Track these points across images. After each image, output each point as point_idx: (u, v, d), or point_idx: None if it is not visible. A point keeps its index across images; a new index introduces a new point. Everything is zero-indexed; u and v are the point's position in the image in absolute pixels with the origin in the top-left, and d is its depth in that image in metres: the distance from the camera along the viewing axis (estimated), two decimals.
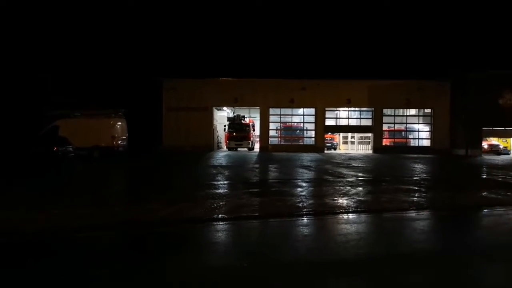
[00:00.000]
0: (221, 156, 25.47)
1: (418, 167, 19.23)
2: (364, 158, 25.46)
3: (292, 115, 34.44)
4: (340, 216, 7.72)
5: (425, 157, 26.70)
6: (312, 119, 33.36)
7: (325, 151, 32.76)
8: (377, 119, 33.06)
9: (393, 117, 34.26)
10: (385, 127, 33.77)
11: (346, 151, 34.90)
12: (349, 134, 37.21)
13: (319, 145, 32.86)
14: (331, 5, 59.95)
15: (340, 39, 58.78)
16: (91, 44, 43.59)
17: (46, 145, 14.66)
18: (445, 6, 55.80)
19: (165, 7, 56.85)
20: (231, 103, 33.41)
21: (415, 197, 9.73)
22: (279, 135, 34.20)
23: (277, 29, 61.89)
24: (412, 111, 34.74)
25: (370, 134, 34.22)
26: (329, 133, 34.87)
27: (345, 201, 9.00)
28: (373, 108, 33.02)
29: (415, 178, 14.16)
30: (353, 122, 34.59)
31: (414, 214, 7.94)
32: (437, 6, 56.35)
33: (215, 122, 33.89)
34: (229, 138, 32.31)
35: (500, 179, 14.28)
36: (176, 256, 5.22)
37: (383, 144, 33.33)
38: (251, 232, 6.94)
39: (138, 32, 52.23)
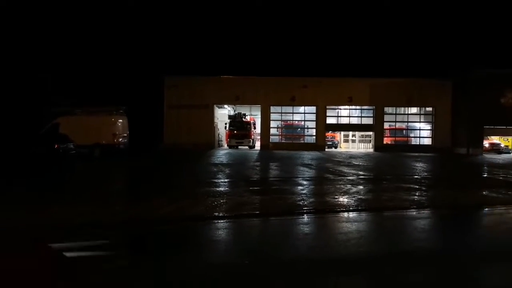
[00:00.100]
0: (222, 154, 25.48)
1: (419, 165, 19.22)
2: (365, 156, 25.45)
3: (293, 113, 34.43)
4: (341, 214, 7.72)
5: (426, 156, 26.68)
6: (313, 117, 33.34)
7: (326, 150, 32.75)
8: (378, 117, 33.03)
9: (394, 116, 34.22)
10: (386, 125, 33.73)
11: (347, 150, 34.89)
12: (350, 133, 37.17)
13: (320, 144, 32.85)
14: (332, 4, 59.85)
15: (342, 37, 58.68)
16: (93, 42, 43.56)
17: (47, 143, 14.67)
18: (447, 5, 55.62)
19: (166, 5, 56.80)
20: (232, 101, 33.39)
21: (416, 195, 9.73)
22: (280, 133, 34.19)
23: (278, 27, 61.79)
24: (413, 110, 34.70)
25: (371, 133, 34.19)
26: (330, 132, 34.84)
27: (346, 200, 9.01)
28: (374, 107, 32.98)
29: (416, 176, 14.16)
30: (354, 121, 34.57)
31: (415, 213, 7.95)
32: (439, 5, 56.20)
33: (216, 120, 33.89)
34: (230, 136, 32.31)
35: (501, 178, 14.27)
36: (176, 256, 5.23)
37: (384, 142, 33.31)
38: (252, 230, 6.95)
39: (139, 30, 52.17)
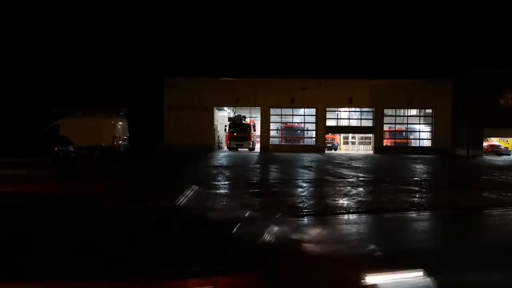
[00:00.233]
0: (222, 156, 25.49)
1: (419, 167, 19.23)
2: (365, 158, 25.46)
3: (293, 115, 34.44)
4: (341, 216, 7.73)
5: (426, 158, 26.69)
6: (313, 119, 33.34)
7: (326, 152, 32.73)
8: (378, 119, 33.03)
9: (394, 117, 34.22)
10: (386, 127, 33.73)
11: (347, 152, 34.88)
12: (350, 135, 37.17)
13: (320, 146, 32.84)
14: (332, 5, 59.99)
15: (342, 38, 58.72)
16: (93, 43, 43.62)
17: (47, 145, 14.68)
18: (446, 6, 55.71)
19: (167, 6, 56.92)
20: (232, 103, 33.40)
21: (416, 197, 9.73)
22: (280, 136, 34.19)
23: (278, 29, 61.93)
24: (413, 111, 34.70)
25: (371, 135, 34.19)
26: (330, 134, 34.85)
27: (345, 202, 9.01)
28: (374, 109, 32.99)
29: (415, 178, 14.16)
30: (354, 123, 34.56)
31: (414, 215, 7.95)
32: (438, 6, 56.35)
33: (216, 122, 33.90)
34: (230, 138, 32.29)
35: (500, 179, 14.28)
36: None
37: (384, 144, 33.30)
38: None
39: (139, 30, 52.25)
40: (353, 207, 8.36)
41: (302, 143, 33.86)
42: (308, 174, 15.15)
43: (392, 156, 28.18)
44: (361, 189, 11.05)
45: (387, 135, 33.83)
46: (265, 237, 2.19)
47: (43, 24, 40.38)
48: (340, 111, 34.49)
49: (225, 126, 33.64)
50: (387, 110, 33.67)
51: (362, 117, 34.38)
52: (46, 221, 1.80)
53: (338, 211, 8.04)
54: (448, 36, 54.72)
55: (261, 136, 33.31)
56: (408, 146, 33.48)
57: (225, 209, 7.05)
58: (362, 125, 34.26)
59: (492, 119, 29.47)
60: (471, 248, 5.91)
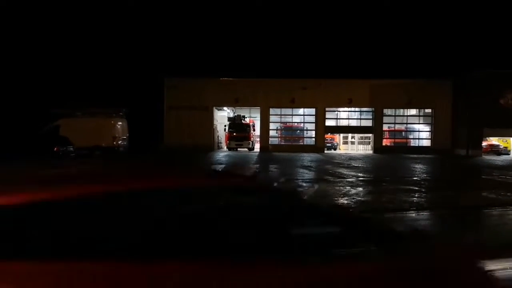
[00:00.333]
0: (222, 156, 25.51)
1: (419, 167, 19.25)
2: (365, 158, 25.48)
3: (292, 115, 34.48)
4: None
5: (425, 157, 26.71)
6: (313, 119, 33.37)
7: (325, 151, 32.77)
8: (378, 119, 33.06)
9: (393, 117, 34.27)
10: (385, 127, 33.77)
11: (346, 151, 34.92)
12: (349, 134, 37.20)
13: (319, 145, 32.87)
14: (332, 5, 60.04)
15: (342, 38, 58.80)
16: (93, 43, 43.65)
17: (47, 145, 14.72)
18: (447, 6, 55.78)
19: (166, 6, 56.93)
20: (232, 103, 33.43)
21: (415, 197, 9.75)
22: (280, 135, 34.23)
23: (278, 29, 62.01)
24: (413, 111, 34.75)
25: (370, 135, 34.22)
26: (329, 133, 34.89)
27: (345, 202, 9.03)
28: (373, 108, 33.02)
29: (415, 178, 14.18)
30: (354, 123, 34.59)
31: (414, 215, 7.97)
32: (438, 6, 56.39)
33: (215, 122, 33.92)
34: (230, 138, 32.32)
35: (500, 179, 14.30)
36: None
37: (384, 144, 33.34)
38: None
39: (139, 31, 52.27)
40: (352, 207, 8.38)
41: (302, 143, 33.89)
42: (308, 174, 15.16)
43: (391, 156, 28.21)
44: (360, 188, 11.07)
45: (386, 135, 33.88)
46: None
47: (44, 24, 40.40)
48: (339, 111, 34.52)
49: (225, 126, 33.69)
50: (386, 110, 33.73)
51: (362, 117, 34.42)
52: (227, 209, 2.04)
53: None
54: (448, 36, 54.81)
55: (261, 136, 33.34)
56: (408, 146, 33.53)
57: None
58: (361, 125, 34.30)
59: (492, 119, 29.53)
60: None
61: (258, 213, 2.07)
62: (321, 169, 17.31)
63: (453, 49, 50.15)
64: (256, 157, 24.75)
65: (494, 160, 25.96)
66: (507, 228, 7.37)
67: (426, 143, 33.71)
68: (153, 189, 1.98)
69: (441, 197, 10.05)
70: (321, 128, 33.11)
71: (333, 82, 32.55)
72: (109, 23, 47.48)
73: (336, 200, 9.22)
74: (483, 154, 30.41)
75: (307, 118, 33.88)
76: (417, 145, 33.86)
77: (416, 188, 11.24)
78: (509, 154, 32.72)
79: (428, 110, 33.75)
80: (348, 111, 34.46)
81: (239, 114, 34.20)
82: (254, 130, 33.92)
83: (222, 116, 36.16)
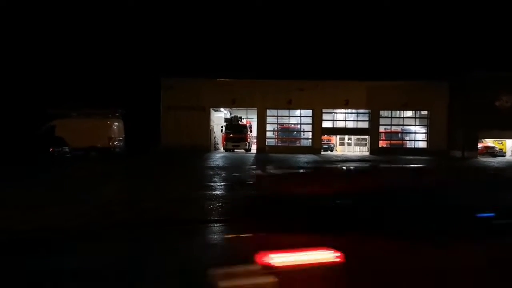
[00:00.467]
0: (218, 157, 25.49)
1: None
2: (361, 159, 25.49)
3: (289, 116, 34.47)
4: None
5: (421, 159, 26.78)
6: (309, 120, 33.38)
7: (322, 153, 32.79)
8: (374, 120, 33.12)
9: (389, 119, 34.33)
10: (381, 128, 33.83)
11: (343, 153, 34.96)
12: (346, 136, 37.23)
13: (316, 147, 32.88)
14: (329, 6, 60.13)
15: (339, 40, 58.91)
16: (89, 44, 43.53)
17: (42, 146, 14.65)
18: (443, 8, 56.04)
19: (163, 6, 56.85)
20: (229, 104, 33.39)
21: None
22: (276, 137, 34.22)
23: (275, 30, 62.04)
24: (409, 113, 34.82)
25: (367, 136, 34.27)
26: (326, 135, 34.90)
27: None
28: (370, 110, 33.07)
29: None
30: (350, 124, 34.60)
31: None
32: (434, 8, 56.62)
33: (212, 123, 33.86)
34: (226, 139, 32.28)
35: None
36: (172, 256, 5.22)
37: (380, 145, 33.39)
38: None
39: (136, 31, 52.19)
40: None
41: (298, 144, 33.89)
42: None
43: (387, 157, 28.26)
44: None
45: (383, 136, 33.95)
46: None
47: (40, 25, 40.22)
48: (336, 113, 34.56)
49: (222, 127, 33.65)
50: (383, 111, 33.79)
51: (358, 118, 34.44)
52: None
53: None
54: (444, 38, 55.04)
55: (258, 137, 33.30)
56: (404, 148, 33.60)
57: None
58: (358, 126, 34.33)
59: (487, 120, 29.66)
60: None
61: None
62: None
63: (449, 51, 50.40)
64: (252, 158, 24.75)
65: (489, 161, 26.07)
66: None
67: (422, 144, 33.79)
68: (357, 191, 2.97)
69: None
70: (318, 130, 33.13)
71: (330, 83, 32.58)
72: (105, 23, 47.33)
73: None
74: (478, 155, 30.54)
75: (304, 120, 33.89)
76: (413, 146, 33.93)
77: None
78: (504, 156, 32.87)
79: (424, 112, 33.84)
80: (345, 113, 34.48)
81: (236, 115, 34.17)
82: (251, 131, 33.89)
83: (219, 117, 36.11)
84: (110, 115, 23.67)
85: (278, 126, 34.18)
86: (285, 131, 34.46)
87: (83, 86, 36.04)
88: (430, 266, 2.59)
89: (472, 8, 54.23)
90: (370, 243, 2.63)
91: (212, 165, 19.73)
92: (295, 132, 34.52)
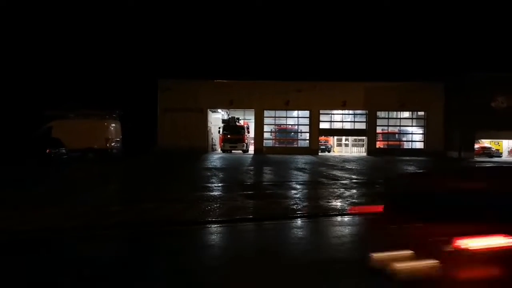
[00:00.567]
0: (216, 158, 25.47)
1: (412, 169, 19.36)
2: (358, 160, 25.59)
3: (286, 117, 34.52)
4: (334, 218, 7.77)
5: (418, 160, 26.89)
6: (307, 121, 33.44)
7: (319, 154, 32.85)
8: (371, 121, 33.22)
9: (387, 120, 34.45)
10: (379, 129, 33.93)
11: (340, 154, 35.04)
12: (343, 137, 37.30)
13: (313, 148, 32.94)
14: (327, 8, 60.31)
15: (336, 41, 59.10)
16: (87, 45, 43.42)
17: (39, 147, 14.61)
18: (440, 10, 56.35)
19: (161, 9, 56.83)
20: (226, 105, 33.40)
21: None
22: (274, 138, 34.25)
23: (273, 31, 62.13)
24: (406, 114, 34.95)
25: (364, 137, 34.37)
26: (323, 136, 34.95)
27: (339, 204, 9.06)
28: (367, 111, 33.17)
29: None
30: (348, 125, 34.69)
31: None
32: (432, 10, 56.92)
33: (209, 124, 33.86)
34: (224, 140, 32.28)
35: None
36: (172, 257, 5.23)
37: (377, 146, 33.49)
38: (246, 234, 6.97)
39: (133, 33, 52.11)
40: (346, 209, 8.41)
41: (296, 145, 33.93)
42: (302, 176, 15.20)
43: (385, 158, 28.36)
44: (354, 190, 11.11)
45: (380, 137, 34.05)
46: None
47: (37, 26, 40.12)
48: (334, 114, 34.63)
49: (219, 128, 33.65)
50: (380, 112, 33.91)
51: (356, 119, 34.54)
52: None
53: (332, 213, 8.09)
54: (441, 40, 55.30)
55: (255, 138, 33.33)
56: (401, 148, 33.72)
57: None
58: (355, 127, 34.43)
59: (484, 121, 29.81)
60: None
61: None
62: (315, 171, 17.35)
63: (446, 52, 50.64)
64: (250, 159, 24.75)
65: (486, 162, 26.19)
66: None
67: (419, 145, 33.92)
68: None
69: None
70: (315, 131, 33.19)
71: (327, 84, 32.67)
72: (103, 24, 47.30)
73: (329, 201, 9.23)
74: (475, 156, 30.69)
75: (301, 121, 33.95)
76: (410, 147, 34.06)
77: None
78: (501, 157, 33.05)
79: (421, 113, 33.98)
80: (342, 114, 34.57)
81: (233, 116, 34.19)
82: (248, 132, 33.92)
83: (216, 118, 36.12)
84: (107, 116, 23.61)
85: (276, 127, 34.22)
86: (283, 132, 34.50)
87: (80, 87, 35.97)
88: None
89: (468, 9, 54.54)
90: None
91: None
92: (292, 133, 34.56)
